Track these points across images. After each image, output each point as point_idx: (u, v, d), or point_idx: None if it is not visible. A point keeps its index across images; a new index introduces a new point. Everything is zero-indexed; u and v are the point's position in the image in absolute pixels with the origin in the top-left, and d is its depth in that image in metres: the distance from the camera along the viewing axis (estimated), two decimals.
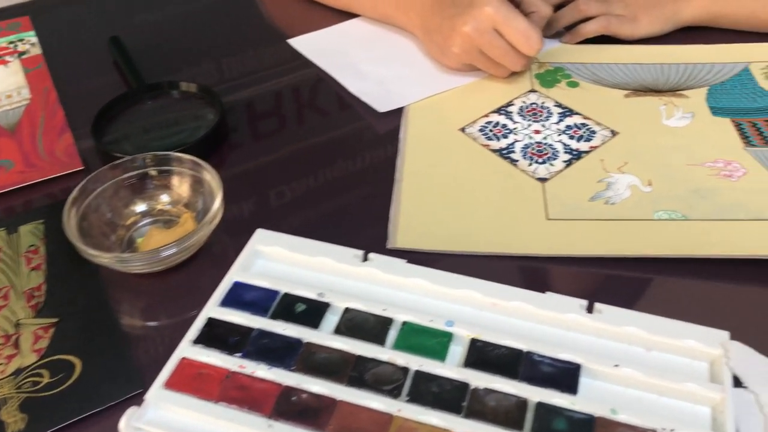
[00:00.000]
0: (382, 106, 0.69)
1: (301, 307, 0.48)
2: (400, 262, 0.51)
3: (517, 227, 0.56)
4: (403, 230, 0.56)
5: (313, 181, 0.62)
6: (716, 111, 0.66)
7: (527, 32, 0.66)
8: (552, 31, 0.77)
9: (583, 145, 0.63)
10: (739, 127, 0.64)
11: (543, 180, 0.60)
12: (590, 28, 0.75)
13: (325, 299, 0.49)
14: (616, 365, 0.44)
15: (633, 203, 0.57)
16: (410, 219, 0.57)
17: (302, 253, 0.52)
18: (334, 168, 0.63)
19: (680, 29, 0.78)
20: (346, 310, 0.48)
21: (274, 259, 0.53)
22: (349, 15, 0.83)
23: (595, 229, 0.55)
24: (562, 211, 0.57)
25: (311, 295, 0.49)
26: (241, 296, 0.49)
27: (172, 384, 0.44)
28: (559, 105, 0.68)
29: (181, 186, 0.56)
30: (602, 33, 0.76)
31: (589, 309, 0.48)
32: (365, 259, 0.51)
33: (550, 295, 0.49)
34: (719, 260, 0.52)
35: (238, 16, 0.87)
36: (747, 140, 0.63)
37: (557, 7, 0.78)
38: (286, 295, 0.49)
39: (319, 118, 0.69)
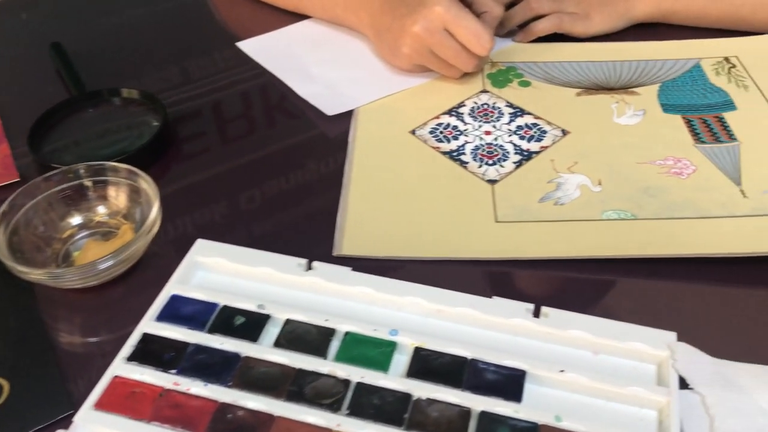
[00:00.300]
0: (330, 109, 0.67)
1: (240, 320, 0.47)
2: (345, 271, 0.50)
3: (465, 231, 0.55)
4: (350, 237, 0.54)
5: (260, 188, 0.60)
6: (667, 108, 0.66)
7: (478, 32, 0.65)
8: (504, 30, 0.77)
9: (533, 146, 0.63)
10: (689, 123, 0.64)
11: (493, 182, 0.59)
12: (542, 27, 0.75)
13: (265, 311, 0.47)
14: (562, 370, 0.43)
15: (582, 203, 0.56)
16: (357, 225, 0.55)
17: (243, 264, 0.50)
18: (281, 174, 0.61)
19: (633, 26, 0.78)
20: (287, 321, 0.47)
21: (215, 270, 0.51)
22: (301, 16, 0.81)
23: (544, 230, 0.54)
24: (511, 213, 0.56)
25: (251, 307, 0.48)
26: (179, 310, 0.47)
27: (102, 404, 0.42)
28: (510, 105, 0.68)
29: (118, 197, 0.54)
30: (555, 31, 0.75)
31: (536, 313, 0.47)
32: (309, 268, 0.50)
33: (496, 300, 0.48)
34: (668, 259, 0.52)
35: (188, 21, 0.85)
36: (697, 137, 0.62)
37: (509, 6, 0.77)
38: (225, 308, 0.48)
39: (267, 123, 0.68)
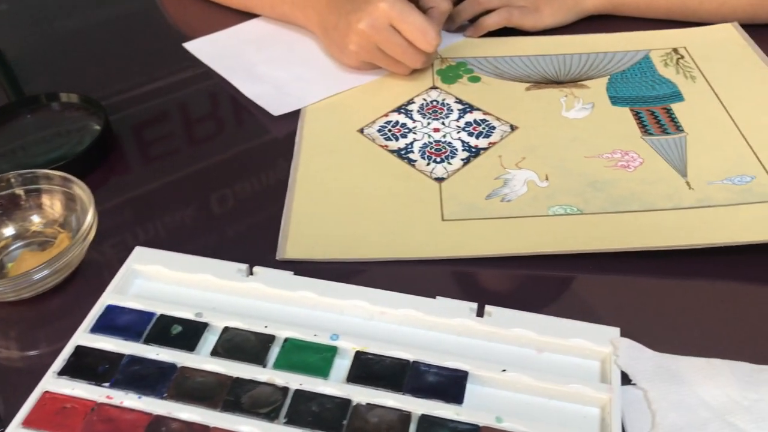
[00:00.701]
0: (276, 109, 0.66)
1: (177, 329, 0.46)
2: (287, 275, 0.49)
3: (411, 231, 0.54)
4: (294, 240, 0.53)
5: (205, 193, 0.59)
6: (616, 100, 0.66)
7: (424, 28, 0.65)
8: (455, 25, 0.76)
9: (481, 142, 0.62)
10: (637, 116, 0.64)
11: (440, 180, 0.58)
12: (491, 21, 0.74)
13: (203, 319, 0.46)
14: (504, 370, 0.43)
15: (529, 199, 0.56)
16: (301, 227, 0.54)
17: (182, 271, 0.49)
18: (227, 179, 0.60)
19: (583, 19, 0.77)
20: (225, 329, 0.46)
21: (153, 278, 0.50)
22: (251, 15, 0.80)
23: (490, 228, 0.54)
24: (458, 211, 0.55)
25: (189, 315, 0.46)
26: (114, 321, 0.46)
27: (31, 422, 0.40)
28: (459, 101, 0.67)
29: (53, 205, 0.53)
30: (504, 25, 0.74)
31: (479, 312, 0.46)
32: (250, 273, 0.49)
33: (440, 300, 0.47)
34: (613, 254, 0.51)
35: (136, 23, 0.84)
36: (645, 129, 0.62)
37: (458, 1, 0.76)
38: (162, 317, 0.46)
39: (214, 126, 0.67)
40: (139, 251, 0.51)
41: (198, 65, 0.74)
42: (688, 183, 0.56)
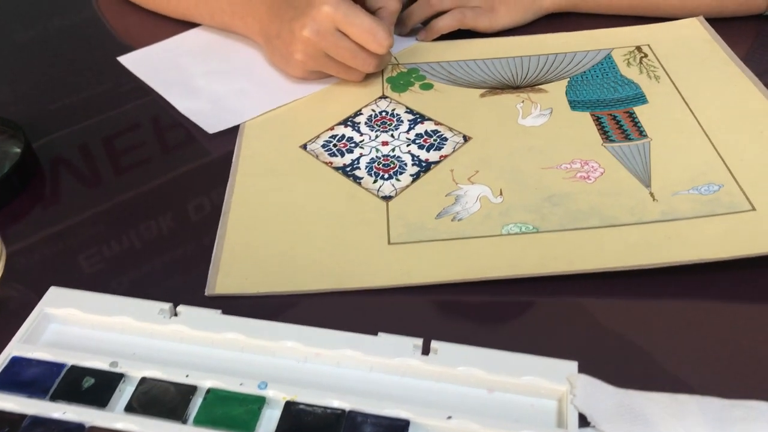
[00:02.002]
0: (213, 126, 0.61)
1: (89, 382, 0.41)
2: (214, 314, 0.44)
3: (355, 257, 0.50)
4: (225, 273, 0.49)
5: (133, 222, 0.54)
6: (575, 105, 0.62)
7: (372, 29, 0.60)
8: (407, 29, 0.72)
9: (432, 155, 0.58)
10: (598, 121, 0.60)
11: (387, 198, 0.54)
12: (444, 24, 0.70)
13: (118, 369, 0.42)
14: (450, 417, 0.39)
15: (482, 217, 0.52)
16: (234, 258, 0.50)
17: (99, 313, 0.45)
18: (157, 204, 0.56)
19: (543, 17, 0.74)
20: (142, 380, 0.41)
21: (69, 322, 0.45)
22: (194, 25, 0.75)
23: (439, 251, 0.49)
24: (405, 233, 0.51)
25: (103, 365, 0.42)
26: (19, 375, 0.41)
27: None
28: (410, 111, 0.63)
29: None
30: (458, 27, 0.70)
31: (425, 349, 0.42)
32: (174, 313, 0.45)
33: (381, 337, 0.43)
34: (570, 276, 0.47)
35: (70, 34, 0.79)
36: (606, 135, 0.58)
37: (410, 3, 0.72)
38: (73, 369, 0.42)
39: (146, 146, 0.62)
40: (53, 292, 0.46)
41: (133, 80, 0.69)
42: (652, 194, 0.52)
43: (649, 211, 0.51)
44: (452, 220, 0.52)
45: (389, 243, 0.50)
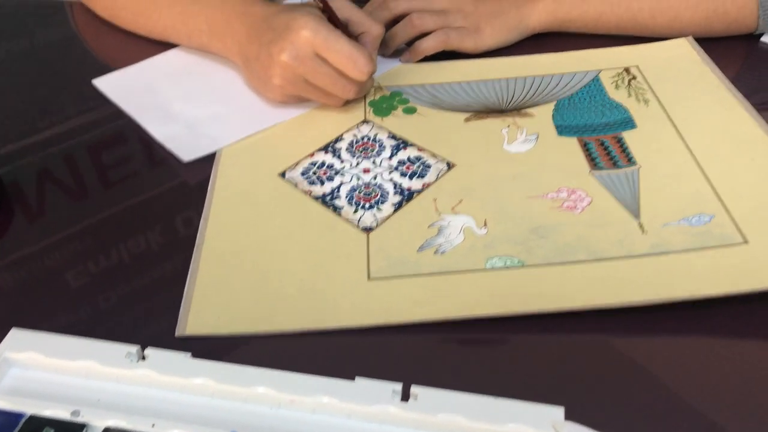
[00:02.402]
0: (188, 153, 0.59)
1: None
2: (183, 358, 0.42)
3: (333, 294, 0.48)
4: (196, 312, 0.47)
5: (102, 256, 0.52)
6: (562, 130, 0.60)
7: (353, 55, 0.59)
8: (389, 50, 0.70)
9: (415, 183, 0.56)
10: (585, 147, 0.58)
11: (368, 230, 0.52)
12: (427, 45, 0.68)
13: (80, 419, 0.39)
14: None
15: (465, 250, 0.50)
16: (207, 296, 0.48)
17: (62, 357, 0.42)
18: (127, 238, 0.53)
19: (529, 38, 0.72)
20: (106, 431, 0.39)
21: (31, 367, 0.43)
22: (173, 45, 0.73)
23: (421, 287, 0.47)
24: (386, 267, 0.49)
25: (64, 414, 0.40)
26: None
27: None
28: (393, 136, 0.61)
29: None
30: (442, 49, 0.69)
31: (405, 395, 0.40)
32: (142, 357, 0.42)
33: (359, 382, 0.41)
34: (558, 313, 0.45)
35: (47, 54, 0.76)
36: (594, 162, 0.56)
37: (394, 23, 0.70)
38: (32, 419, 0.40)
39: (118, 173, 0.60)
40: (15, 335, 0.44)
41: (108, 103, 0.67)
42: (641, 225, 0.50)
43: (638, 244, 0.49)
44: (435, 253, 0.50)
45: (369, 278, 0.48)
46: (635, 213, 0.51)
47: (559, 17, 0.70)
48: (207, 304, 0.47)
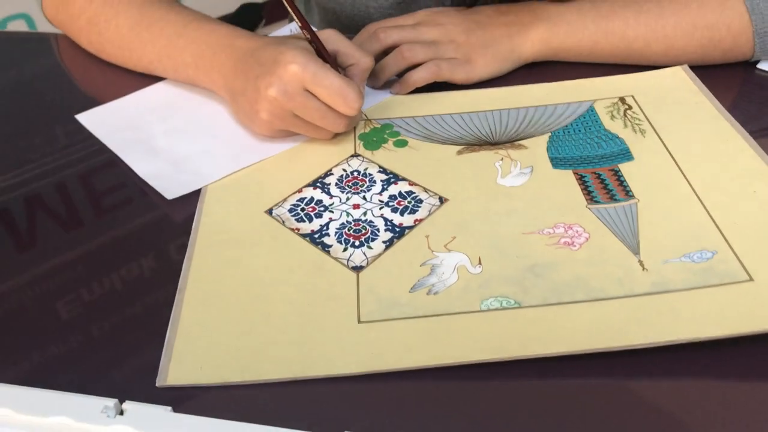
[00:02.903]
0: (172, 190, 0.58)
1: None
2: (163, 412, 0.40)
3: (321, 340, 0.46)
4: (178, 359, 0.45)
5: (78, 298, 0.50)
6: (557, 162, 0.58)
7: (342, 90, 0.57)
8: (379, 82, 0.68)
9: (407, 219, 0.54)
10: (582, 180, 0.56)
11: (358, 269, 0.50)
12: (418, 77, 0.67)
13: None
14: None
15: (460, 290, 0.48)
16: (189, 342, 0.46)
17: (35, 413, 0.40)
18: (106, 278, 0.51)
19: (523, 67, 0.71)
20: None
21: (2, 424, 0.41)
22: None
23: (413, 331, 0.45)
24: (377, 309, 0.47)
25: None
26: None
27: None
28: (383, 170, 0.59)
29: None
30: (433, 80, 0.67)
31: None
32: (120, 411, 0.40)
33: None
34: (559, 358, 0.43)
35: (33, 92, 0.75)
36: (591, 196, 0.55)
37: (383, 55, 0.69)
38: None
39: (99, 212, 0.58)
40: None
41: (92, 139, 0.65)
42: (641, 263, 0.48)
43: (638, 283, 0.47)
44: (428, 294, 0.48)
45: (359, 321, 0.46)
46: (635, 249, 0.50)
47: (553, 46, 0.69)
48: (189, 352, 0.45)
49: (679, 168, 0.56)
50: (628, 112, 0.63)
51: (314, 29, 0.62)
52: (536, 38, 0.69)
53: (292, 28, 0.77)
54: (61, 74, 0.78)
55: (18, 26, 1.70)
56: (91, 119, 0.67)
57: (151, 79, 0.72)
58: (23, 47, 0.83)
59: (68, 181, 0.61)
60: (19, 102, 0.73)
